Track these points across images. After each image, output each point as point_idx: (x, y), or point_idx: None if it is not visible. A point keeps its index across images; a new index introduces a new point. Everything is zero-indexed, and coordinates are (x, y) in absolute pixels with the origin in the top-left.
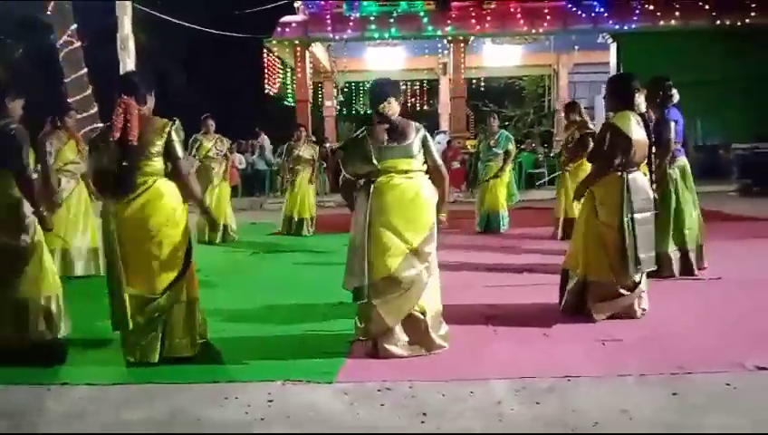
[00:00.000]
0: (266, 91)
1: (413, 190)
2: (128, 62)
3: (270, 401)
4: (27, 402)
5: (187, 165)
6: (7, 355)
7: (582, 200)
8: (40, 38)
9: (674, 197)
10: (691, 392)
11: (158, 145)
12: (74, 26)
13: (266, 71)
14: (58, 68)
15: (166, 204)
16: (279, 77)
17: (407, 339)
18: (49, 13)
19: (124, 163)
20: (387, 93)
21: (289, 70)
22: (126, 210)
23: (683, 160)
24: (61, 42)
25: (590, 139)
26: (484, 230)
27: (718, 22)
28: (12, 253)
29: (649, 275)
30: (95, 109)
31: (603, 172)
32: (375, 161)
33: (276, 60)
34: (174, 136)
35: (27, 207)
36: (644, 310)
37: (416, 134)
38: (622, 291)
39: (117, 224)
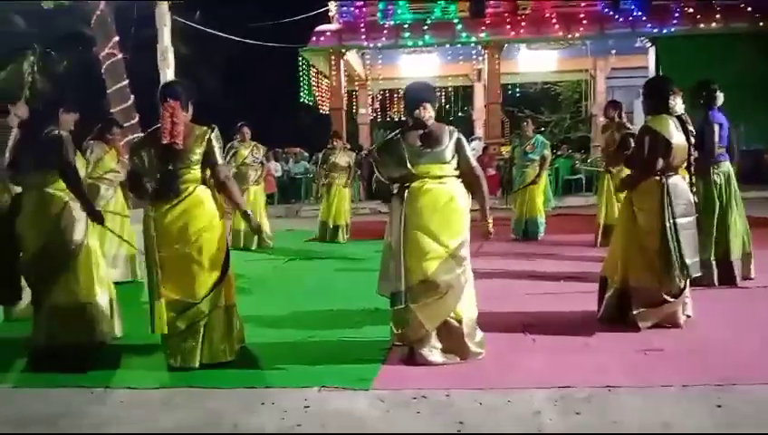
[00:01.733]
0: (302, 100)
1: (447, 195)
2: (167, 73)
3: (306, 407)
4: (70, 405)
5: (226, 170)
6: (59, 358)
7: (620, 207)
8: (83, 51)
9: (717, 203)
10: (736, 405)
11: (198, 153)
12: (116, 38)
13: (301, 79)
14: (100, 79)
15: (205, 211)
16: (314, 85)
17: (442, 346)
18: (92, 26)
19: (170, 168)
20: (422, 98)
21: (324, 78)
22: (166, 217)
23: (727, 165)
24: (103, 54)
25: (631, 139)
26: (522, 237)
27: (761, 24)
28: (62, 256)
29: (691, 283)
30: (136, 119)
31: (644, 176)
32: (409, 165)
33: (311, 68)
34: (214, 142)
35: (76, 212)
36: (688, 316)
37: (449, 139)
38: (667, 298)
39: (157, 230)
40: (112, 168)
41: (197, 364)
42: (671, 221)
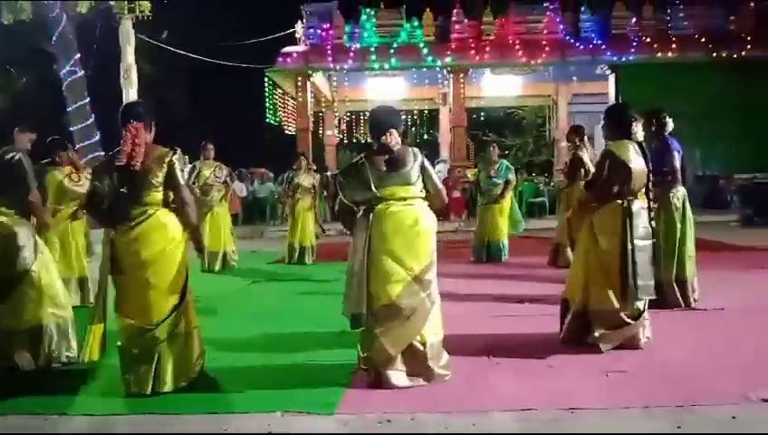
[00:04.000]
0: (268, 121)
1: (412, 218)
2: (130, 91)
3: (270, 432)
4: (24, 432)
5: (188, 193)
6: (8, 382)
7: (581, 230)
8: (44, 67)
9: (678, 226)
10: (696, 425)
11: (159, 175)
12: (78, 55)
13: (268, 100)
14: (61, 97)
15: (165, 234)
16: (280, 106)
17: (407, 369)
18: (53, 42)
19: (122, 190)
20: (388, 124)
21: (290, 99)
22: (124, 239)
23: (683, 190)
24: (64, 71)
25: (580, 160)
26: (485, 260)
27: (714, 54)
28: (9, 280)
29: (652, 305)
30: (97, 137)
31: (602, 200)
32: (374, 189)
33: (278, 89)
34: (175, 165)
35: (24, 237)
36: (648, 338)
37: (414, 161)
38: (627, 320)
39: (115, 253)
40: (72, 189)
41: (149, 391)
42: (632, 244)
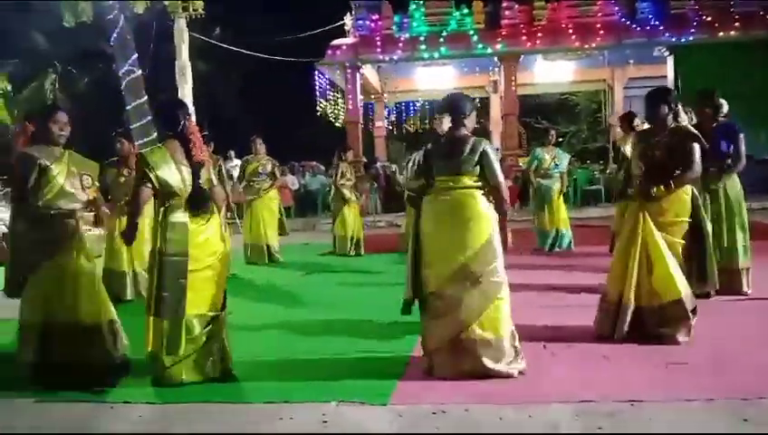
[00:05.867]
0: (318, 114)
1: (461, 206)
2: (186, 89)
3: (324, 421)
4: (91, 419)
5: (222, 192)
6: (72, 376)
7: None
8: (103, 68)
9: (735, 212)
10: (763, 418)
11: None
12: (135, 55)
13: (318, 93)
14: (120, 96)
15: (220, 224)
16: (330, 99)
17: (458, 362)
18: (111, 43)
19: (200, 183)
20: (441, 110)
21: (340, 91)
22: (199, 234)
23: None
24: (123, 70)
25: (618, 149)
26: (550, 250)
27: None
28: (71, 277)
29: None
30: (155, 134)
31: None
32: (434, 174)
33: (328, 82)
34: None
35: (81, 232)
36: None
37: (471, 150)
38: (689, 311)
39: (192, 245)
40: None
41: (217, 374)
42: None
